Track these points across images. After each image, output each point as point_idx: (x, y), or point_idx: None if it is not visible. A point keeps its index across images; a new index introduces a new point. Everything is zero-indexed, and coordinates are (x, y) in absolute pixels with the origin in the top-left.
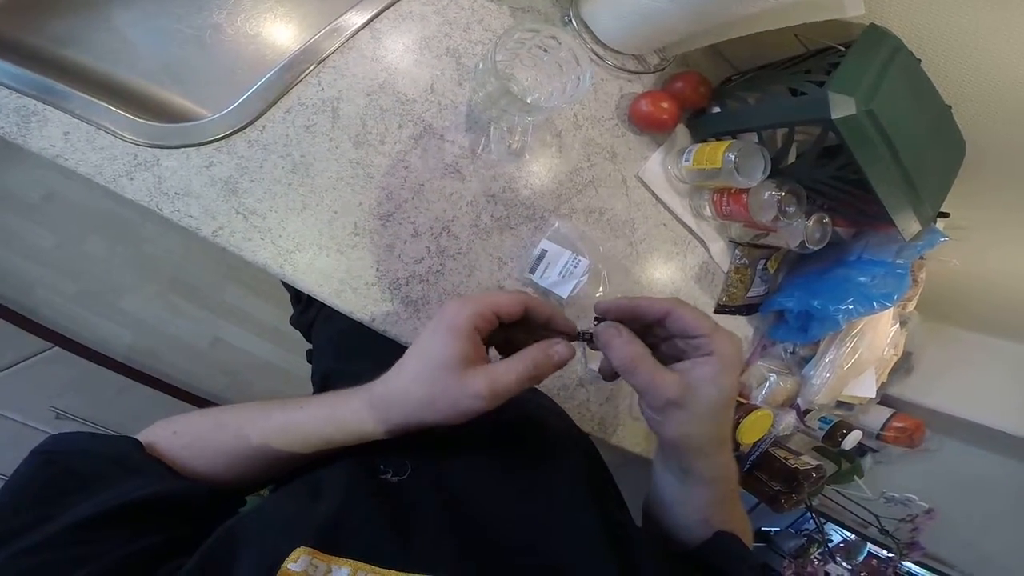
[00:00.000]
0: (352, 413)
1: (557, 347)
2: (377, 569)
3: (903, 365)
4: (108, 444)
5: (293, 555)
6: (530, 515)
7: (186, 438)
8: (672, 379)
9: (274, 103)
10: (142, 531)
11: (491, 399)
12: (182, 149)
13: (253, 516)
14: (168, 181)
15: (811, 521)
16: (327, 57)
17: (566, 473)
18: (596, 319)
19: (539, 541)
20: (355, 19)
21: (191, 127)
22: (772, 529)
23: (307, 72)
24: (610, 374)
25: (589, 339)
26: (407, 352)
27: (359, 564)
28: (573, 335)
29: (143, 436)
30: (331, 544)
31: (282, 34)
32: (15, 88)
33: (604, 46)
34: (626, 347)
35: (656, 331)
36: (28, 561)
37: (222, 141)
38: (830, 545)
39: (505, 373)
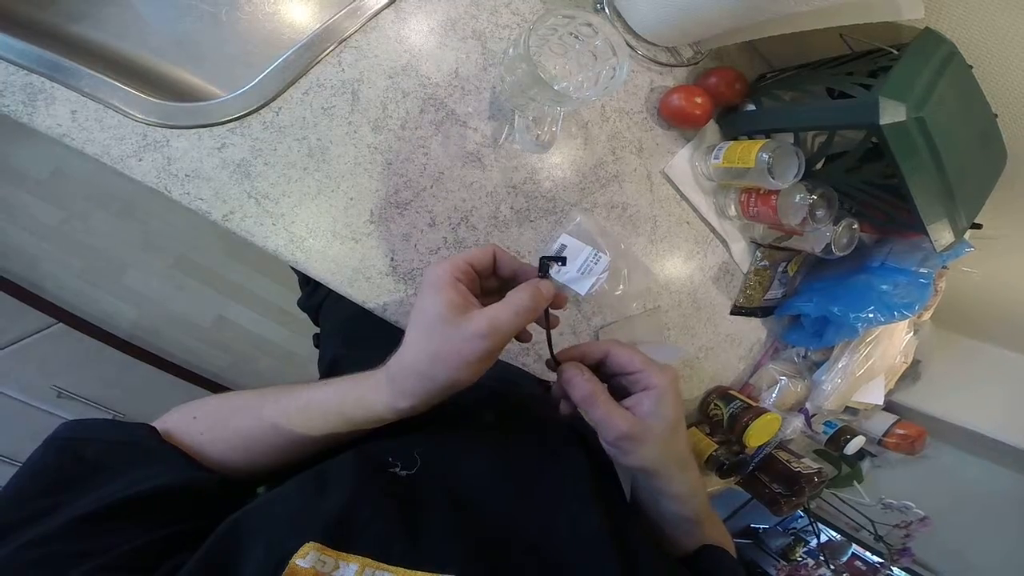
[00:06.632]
0: (372, 389)
1: (543, 283)
2: (386, 566)
3: (910, 372)
4: (122, 431)
5: (302, 551)
6: (535, 513)
7: (205, 421)
8: (623, 414)
9: (292, 83)
10: (149, 524)
11: (492, 336)
12: (194, 130)
13: (259, 508)
14: (178, 163)
15: (800, 519)
16: (349, 36)
17: (570, 471)
18: (556, 362)
19: (543, 540)
20: None
21: (204, 107)
22: (761, 527)
23: (328, 52)
24: (569, 412)
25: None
26: (407, 327)
27: (368, 561)
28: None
29: (160, 423)
30: (340, 540)
31: (301, 12)
32: (22, 65)
33: (637, 36)
34: (585, 385)
35: (604, 371)
36: (32, 554)
37: (236, 122)
38: (822, 541)
39: (502, 310)
